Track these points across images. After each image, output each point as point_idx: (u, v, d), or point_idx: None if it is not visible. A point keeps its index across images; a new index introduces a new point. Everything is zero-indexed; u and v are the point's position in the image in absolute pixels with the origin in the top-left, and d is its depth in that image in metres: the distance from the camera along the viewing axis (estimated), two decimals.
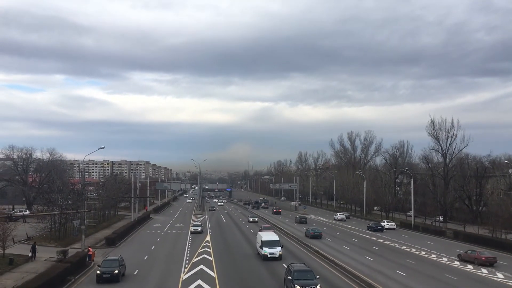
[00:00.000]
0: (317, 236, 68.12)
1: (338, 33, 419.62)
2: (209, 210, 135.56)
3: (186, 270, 42.02)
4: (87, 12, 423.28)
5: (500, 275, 40.96)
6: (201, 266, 43.28)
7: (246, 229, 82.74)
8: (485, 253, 48.48)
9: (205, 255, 50.12)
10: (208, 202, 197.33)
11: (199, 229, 73.11)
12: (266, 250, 46.96)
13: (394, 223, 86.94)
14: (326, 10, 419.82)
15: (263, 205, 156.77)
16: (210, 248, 55.80)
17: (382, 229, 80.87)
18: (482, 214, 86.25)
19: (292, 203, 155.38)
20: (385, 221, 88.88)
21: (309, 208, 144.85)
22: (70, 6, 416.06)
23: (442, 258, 50.43)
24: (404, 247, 59.98)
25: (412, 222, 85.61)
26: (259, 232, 54.95)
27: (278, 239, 49.74)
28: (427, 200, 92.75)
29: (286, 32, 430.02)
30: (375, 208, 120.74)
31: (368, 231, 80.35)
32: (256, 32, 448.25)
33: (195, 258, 48.48)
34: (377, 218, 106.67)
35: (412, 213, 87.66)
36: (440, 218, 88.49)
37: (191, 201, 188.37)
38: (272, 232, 57.62)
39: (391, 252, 55.32)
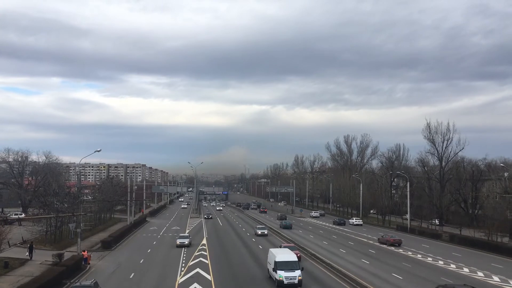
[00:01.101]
0: (288, 227, 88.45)
1: (335, 36, 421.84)
2: (205, 218, 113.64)
3: (183, 273, 41.95)
4: (84, 15, 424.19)
5: (496, 278, 41.07)
6: (197, 269, 43.24)
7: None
8: (394, 236, 69.06)
9: (201, 259, 50.04)
10: (205, 206, 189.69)
11: (186, 242, 60.03)
12: (282, 274, 36.40)
13: (361, 220, 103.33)
14: (323, 13, 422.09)
15: (252, 206, 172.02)
16: (206, 252, 55.71)
17: (344, 223, 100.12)
18: (478, 217, 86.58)
19: (314, 213, 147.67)
20: (354, 218, 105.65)
21: (306, 211, 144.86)
22: (68, 9, 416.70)
23: (438, 262, 50.52)
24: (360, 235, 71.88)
25: (408, 225, 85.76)
26: (271, 250, 41.84)
27: (296, 259, 38.90)
28: (423, 203, 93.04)
29: (283, 36, 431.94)
30: (372, 211, 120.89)
31: (334, 225, 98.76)
32: (254, 35, 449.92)
33: (191, 261, 48.40)
34: (374, 221, 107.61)
35: (408, 216, 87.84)
36: (436, 221, 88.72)
37: (186, 206, 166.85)
38: (287, 249, 43.81)
39: (344, 238, 74.23)
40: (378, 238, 68.13)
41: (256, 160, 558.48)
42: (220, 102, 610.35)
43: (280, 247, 51.63)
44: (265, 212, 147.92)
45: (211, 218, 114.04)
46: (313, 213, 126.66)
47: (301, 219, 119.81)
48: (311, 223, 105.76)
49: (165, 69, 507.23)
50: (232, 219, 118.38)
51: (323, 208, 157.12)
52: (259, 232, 74.93)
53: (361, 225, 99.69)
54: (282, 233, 76.84)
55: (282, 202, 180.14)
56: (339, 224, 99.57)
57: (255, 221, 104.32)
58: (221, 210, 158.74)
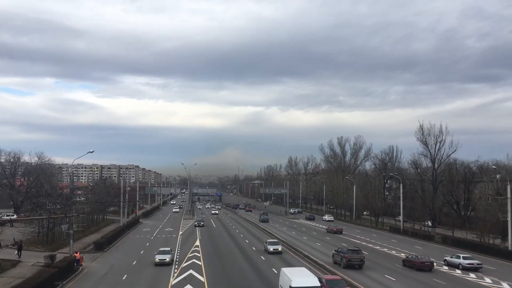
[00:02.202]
0: (265, 221, 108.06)
1: (331, 38, 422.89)
2: (196, 225, 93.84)
3: (176, 275, 41.84)
4: (80, 15, 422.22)
5: (488, 280, 41.30)
6: (191, 271, 43.14)
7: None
8: (337, 226, 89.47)
9: (194, 260, 49.94)
10: (199, 208, 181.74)
11: (167, 259, 47.37)
12: None
13: (332, 217, 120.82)
14: (319, 15, 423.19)
15: (240, 206, 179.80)
16: (199, 253, 55.59)
17: (314, 218, 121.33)
18: (470, 219, 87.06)
19: (292, 210, 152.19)
20: (326, 215, 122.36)
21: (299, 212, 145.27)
22: (63, 9, 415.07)
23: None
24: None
25: (401, 227, 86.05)
26: (283, 270, 32.64)
27: (318, 283, 30.02)
28: (416, 205, 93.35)
29: (279, 37, 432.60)
30: (365, 213, 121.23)
31: (306, 221, 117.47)
32: (249, 37, 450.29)
33: (185, 263, 48.28)
34: (367, 223, 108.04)
35: (401, 218, 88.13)
36: (429, 223, 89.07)
37: (178, 210, 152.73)
38: (305, 270, 34.47)
39: (308, 229, 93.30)
40: (326, 228, 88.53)
41: (250, 161, 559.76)
42: (215, 104, 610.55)
43: (267, 243, 57.79)
44: (251, 211, 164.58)
45: (202, 225, 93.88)
46: (291, 210, 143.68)
47: (295, 220, 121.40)
48: (288, 219, 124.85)
49: (159, 70, 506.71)
50: (231, 226, 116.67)
51: (316, 209, 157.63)
52: (271, 249, 53.96)
53: (332, 220, 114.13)
54: (260, 226, 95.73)
55: (268, 202, 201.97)
56: (310, 219, 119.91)
57: (257, 228, 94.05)
58: (217, 214, 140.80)
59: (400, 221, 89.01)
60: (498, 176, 76.92)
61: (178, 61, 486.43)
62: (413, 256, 49.79)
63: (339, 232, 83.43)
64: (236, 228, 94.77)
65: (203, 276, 40.94)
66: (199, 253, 55.29)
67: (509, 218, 56.62)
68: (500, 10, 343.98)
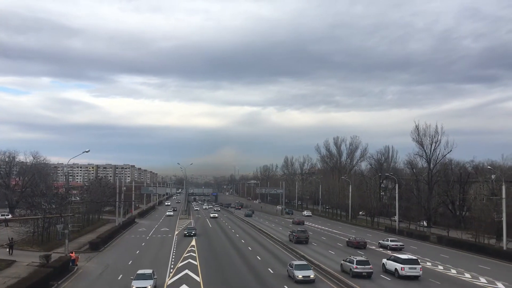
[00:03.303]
0: (249, 215, 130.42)
1: (328, 38, 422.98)
2: (186, 235, 74.26)
3: (171, 274, 41.78)
4: (76, 14, 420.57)
5: (483, 280, 41.45)
6: (186, 271, 43.09)
7: (249, 252, 56.69)
8: (301, 218, 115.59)
9: (190, 260, 49.90)
10: (196, 210, 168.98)
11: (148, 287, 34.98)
12: None
13: (310, 212, 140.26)
14: (316, 15, 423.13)
15: (232, 205, 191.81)
16: (195, 253, 55.55)
17: (292, 213, 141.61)
18: (465, 219, 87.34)
19: (278, 207, 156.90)
20: (305, 211, 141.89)
21: (295, 212, 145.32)
22: (60, 8, 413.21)
23: (426, 263, 50.87)
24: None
25: (397, 227, 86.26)
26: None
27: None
28: (412, 205, 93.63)
29: (276, 37, 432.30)
30: (360, 212, 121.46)
31: (286, 216, 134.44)
32: (246, 36, 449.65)
33: (180, 262, 48.22)
34: (362, 223, 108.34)
35: (396, 218, 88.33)
36: (424, 223, 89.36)
37: (172, 213, 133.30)
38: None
39: (286, 221, 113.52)
40: (292, 221, 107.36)
41: (246, 161, 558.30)
42: (212, 103, 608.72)
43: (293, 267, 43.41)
44: (239, 209, 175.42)
45: (193, 234, 74.63)
46: (278, 207, 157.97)
47: (290, 220, 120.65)
48: (285, 220, 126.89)
49: (156, 70, 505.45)
50: (224, 223, 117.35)
51: (312, 209, 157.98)
52: (300, 277, 39.24)
53: (310, 215, 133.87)
54: (245, 220, 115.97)
55: (257, 200, 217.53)
56: (288, 213, 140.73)
57: (242, 221, 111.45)
58: (216, 217, 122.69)
59: (395, 221, 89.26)
60: (493, 176, 77.23)
61: (175, 61, 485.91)
62: (353, 237, 67.51)
63: (302, 223, 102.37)
64: (228, 224, 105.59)
65: (198, 276, 40.90)
66: (195, 253, 55.23)
67: (503, 218, 56.88)
68: (497, 11, 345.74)
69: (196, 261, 49.14)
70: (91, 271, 44.39)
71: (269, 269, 45.11)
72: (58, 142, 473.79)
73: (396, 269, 42.26)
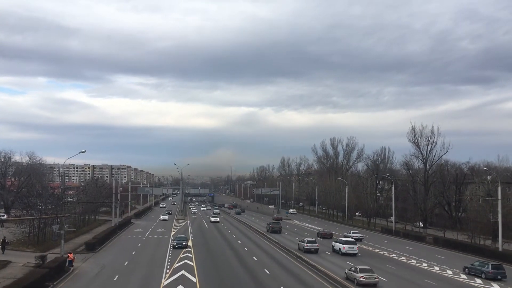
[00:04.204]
0: (238, 213, 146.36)
1: (325, 39, 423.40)
2: (175, 246, 60.14)
3: (167, 275, 41.71)
4: (73, 13, 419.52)
5: (478, 280, 41.56)
6: (182, 272, 43.03)
7: (245, 252, 58.22)
8: (280, 215, 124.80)
9: (186, 261, 49.83)
10: (193, 212, 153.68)
11: None
12: None
13: (295, 210, 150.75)
14: (314, 16, 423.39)
15: (225, 205, 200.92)
16: (191, 254, 55.47)
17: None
18: (461, 220, 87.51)
19: (271, 206, 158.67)
20: (291, 209, 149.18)
21: (284, 211, 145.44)
22: (57, 7, 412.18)
23: (422, 264, 51.01)
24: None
25: (393, 228, 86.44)
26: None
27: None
28: (408, 206, 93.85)
29: (274, 37, 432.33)
30: (357, 213, 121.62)
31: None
32: (244, 37, 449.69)
33: (177, 263, 48.14)
34: (359, 223, 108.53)
35: (393, 218, 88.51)
36: (420, 223, 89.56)
37: (167, 217, 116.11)
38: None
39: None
40: (273, 217, 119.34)
41: (243, 162, 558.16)
42: (209, 104, 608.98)
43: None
44: (232, 208, 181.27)
45: (184, 246, 60.49)
46: (270, 206, 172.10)
47: (287, 221, 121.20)
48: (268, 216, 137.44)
49: (153, 70, 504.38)
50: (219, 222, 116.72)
51: (309, 210, 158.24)
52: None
53: (295, 213, 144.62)
54: (235, 217, 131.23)
55: (249, 200, 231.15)
56: (278, 213, 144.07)
57: (233, 219, 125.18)
58: (218, 221, 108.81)
59: (392, 222, 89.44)
60: (489, 177, 77.56)
61: (173, 61, 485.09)
62: (321, 229, 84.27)
63: (280, 219, 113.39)
64: (222, 222, 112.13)
65: (195, 277, 40.85)
66: (191, 254, 55.15)
67: (499, 219, 57.10)
68: (494, 12, 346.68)
69: (193, 262, 49.07)
70: (87, 272, 44.25)
71: (245, 248, 47.55)
72: (54, 142, 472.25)
73: (339, 248, 56.57)
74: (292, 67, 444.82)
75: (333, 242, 59.79)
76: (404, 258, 55.13)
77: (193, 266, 46.73)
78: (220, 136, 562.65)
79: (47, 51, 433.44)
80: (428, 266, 49.63)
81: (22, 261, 46.17)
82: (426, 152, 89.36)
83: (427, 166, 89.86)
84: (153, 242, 69.39)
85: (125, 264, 48.53)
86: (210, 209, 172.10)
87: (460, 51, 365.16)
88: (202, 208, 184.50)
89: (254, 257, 53.32)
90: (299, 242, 60.83)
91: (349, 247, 55.55)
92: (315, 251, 56.52)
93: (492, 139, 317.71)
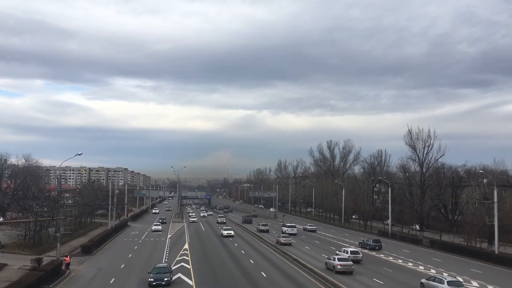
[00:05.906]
0: (226, 212, 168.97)
1: (324, 42, 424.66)
2: (153, 284, 38.02)
3: None
4: (71, 16, 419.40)
5: (475, 283, 41.63)
6: (179, 274, 42.94)
7: (241, 255, 57.22)
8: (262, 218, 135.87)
9: (183, 263, 49.75)
10: (191, 215, 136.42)
11: None
12: None
13: (283, 213, 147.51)
14: (313, 19, 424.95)
15: (217, 207, 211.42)
16: (188, 256, 55.38)
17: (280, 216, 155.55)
18: (457, 223, 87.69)
19: (271, 209, 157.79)
20: (272, 208, 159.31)
21: (288, 216, 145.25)
22: (55, 10, 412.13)
23: (418, 267, 51.07)
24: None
25: (390, 231, 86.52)
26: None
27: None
28: (404, 209, 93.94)
29: (272, 40, 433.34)
30: (354, 216, 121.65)
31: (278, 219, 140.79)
32: (243, 39, 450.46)
33: (173, 266, 48.00)
34: (355, 226, 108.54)
35: (389, 221, 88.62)
36: (417, 226, 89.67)
37: (160, 227, 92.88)
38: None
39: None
40: (251, 214, 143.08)
41: (240, 164, 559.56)
42: (206, 106, 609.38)
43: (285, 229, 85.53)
44: (222, 209, 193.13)
45: (165, 283, 38.43)
46: (271, 209, 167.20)
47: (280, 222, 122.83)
48: (278, 223, 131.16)
49: (151, 73, 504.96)
50: (214, 221, 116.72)
51: (306, 213, 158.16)
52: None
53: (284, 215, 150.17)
54: (223, 215, 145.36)
55: (240, 201, 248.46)
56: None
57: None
58: (224, 222, 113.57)
59: (388, 225, 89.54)
60: (485, 180, 77.70)
61: (171, 64, 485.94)
62: (306, 226, 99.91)
63: (255, 216, 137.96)
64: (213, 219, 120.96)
65: (191, 279, 40.78)
66: (188, 257, 55.06)
67: (495, 222, 57.24)
68: (492, 16, 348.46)
69: (189, 265, 49.00)
70: (83, 275, 44.13)
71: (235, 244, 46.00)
72: (51, 145, 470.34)
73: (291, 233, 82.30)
74: (290, 70, 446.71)
75: (284, 228, 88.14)
76: (401, 261, 55.19)
77: (190, 268, 46.66)
78: (218, 139, 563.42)
79: (45, 53, 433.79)
80: (424, 269, 49.71)
81: (18, 264, 45.97)
82: (423, 155, 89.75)
83: (424, 169, 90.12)
84: (150, 244, 69.24)
85: (122, 267, 48.41)
86: (211, 215, 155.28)
87: (458, 54, 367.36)
88: (202, 214, 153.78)
89: (242, 251, 53.46)
90: (283, 227, 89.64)
91: (291, 230, 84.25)
92: (266, 231, 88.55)
93: (489, 142, 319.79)
